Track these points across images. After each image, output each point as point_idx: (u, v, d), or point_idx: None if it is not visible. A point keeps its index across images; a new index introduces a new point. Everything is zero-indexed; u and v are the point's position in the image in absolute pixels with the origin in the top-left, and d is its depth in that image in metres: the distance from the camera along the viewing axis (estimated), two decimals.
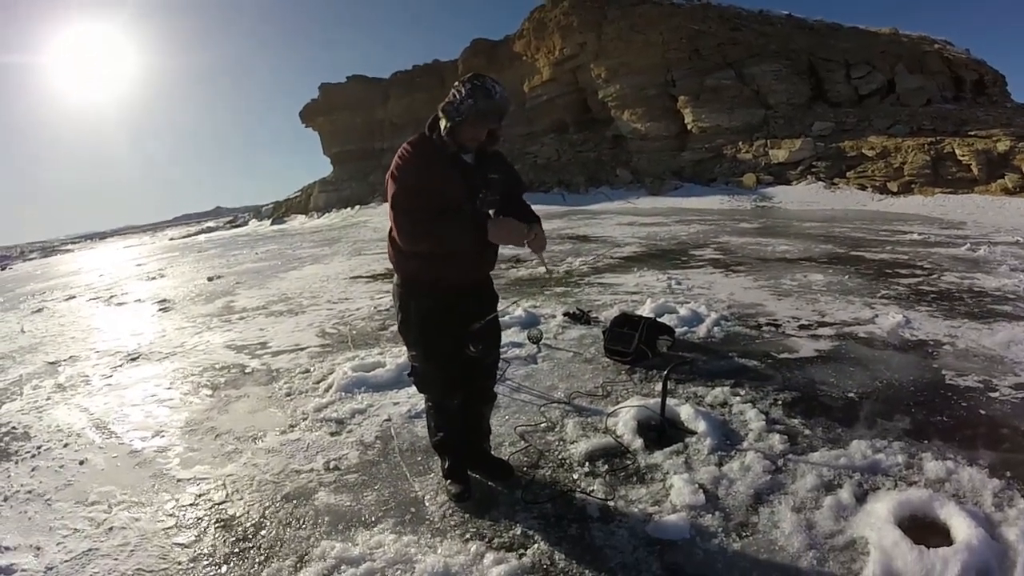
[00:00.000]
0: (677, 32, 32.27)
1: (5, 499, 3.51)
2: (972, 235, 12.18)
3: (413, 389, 4.28)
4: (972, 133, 22.46)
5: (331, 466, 3.49)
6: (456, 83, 2.62)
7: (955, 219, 15.77)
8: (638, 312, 5.65)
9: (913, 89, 29.25)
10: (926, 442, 3.31)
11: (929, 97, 29.13)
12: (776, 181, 25.19)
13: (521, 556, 2.56)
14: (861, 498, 2.81)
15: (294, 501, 3.15)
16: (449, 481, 3.05)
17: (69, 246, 65.17)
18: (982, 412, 3.68)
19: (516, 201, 2.91)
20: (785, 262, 9.30)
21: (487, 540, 2.69)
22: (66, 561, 2.81)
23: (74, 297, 13.03)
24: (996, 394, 3.92)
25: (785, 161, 25.79)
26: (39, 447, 4.23)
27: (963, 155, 20.35)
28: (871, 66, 30.44)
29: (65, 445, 4.23)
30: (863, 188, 22.25)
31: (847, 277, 7.81)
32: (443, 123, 2.61)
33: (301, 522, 2.95)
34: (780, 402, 3.92)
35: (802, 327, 5.61)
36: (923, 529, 2.56)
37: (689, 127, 31.14)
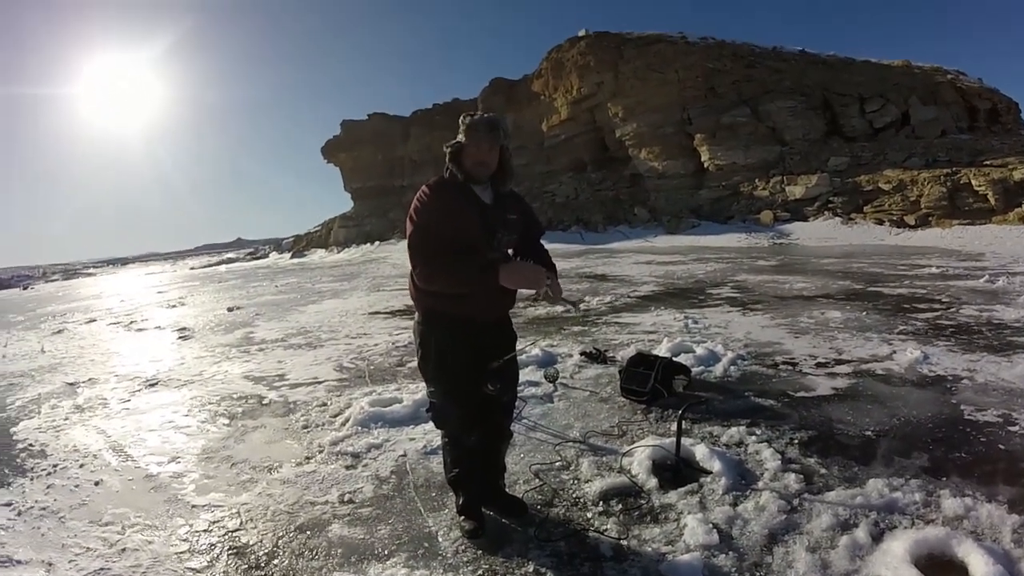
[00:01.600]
0: (692, 70, 32.64)
1: (19, 514, 3.57)
2: (991, 266, 12.08)
3: (429, 425, 4.31)
4: (987, 163, 22.41)
5: (346, 499, 3.51)
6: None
7: (973, 250, 15.65)
8: (655, 351, 5.65)
9: (927, 121, 29.27)
10: (944, 479, 3.27)
11: (943, 128, 29.14)
12: (793, 217, 25.16)
13: None
14: (877, 537, 2.77)
15: (308, 532, 3.16)
16: (463, 517, 3.06)
17: (91, 269, 66.16)
18: (1001, 447, 3.64)
19: (533, 244, 2.98)
20: (802, 299, 9.27)
21: None
22: None
23: (95, 320, 13.24)
24: (1016, 428, 3.89)
25: (802, 197, 25.79)
26: (55, 465, 4.31)
27: (979, 185, 20.26)
28: (885, 99, 30.53)
29: (81, 465, 4.30)
30: (880, 222, 22.15)
31: (865, 313, 7.76)
32: (448, 157, 2.74)
33: (314, 553, 2.96)
34: (796, 441, 3.89)
35: (819, 365, 5.58)
36: (941, 568, 2.54)
37: (706, 165, 31.28)
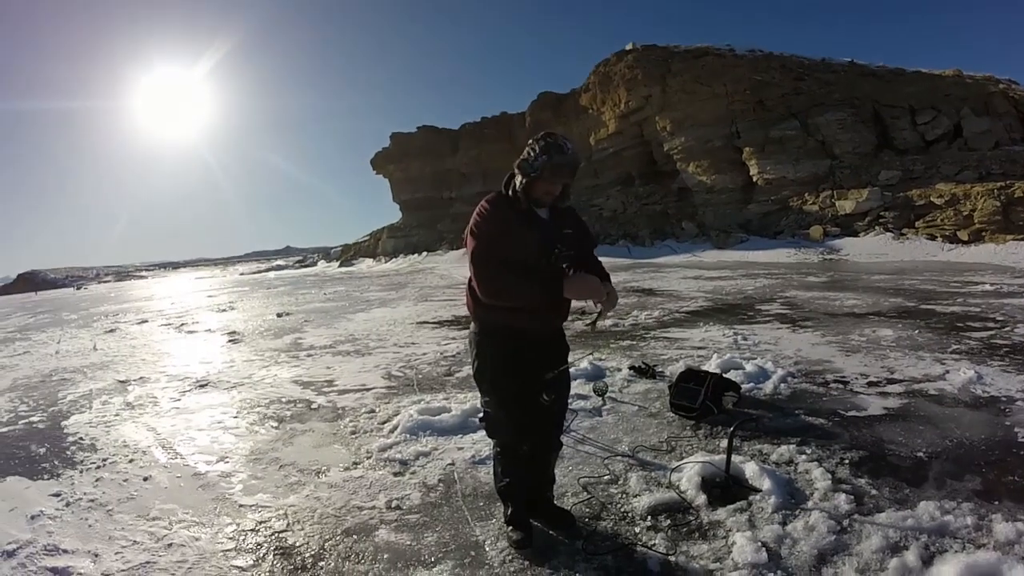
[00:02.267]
0: (741, 83, 32.17)
1: (67, 504, 3.71)
2: None
3: (478, 435, 4.37)
4: None
5: (393, 505, 3.57)
6: (530, 141, 2.78)
7: None
8: (704, 367, 5.62)
9: (980, 132, 28.28)
10: (996, 503, 3.20)
11: (997, 140, 28.09)
12: (843, 232, 24.57)
13: None
14: (928, 560, 2.73)
15: (354, 536, 3.22)
16: (511, 528, 3.09)
17: (143, 272, 68.19)
18: None
19: (588, 256, 3.03)
20: (853, 317, 9.08)
21: None
22: (123, 571, 2.94)
23: (146, 321, 13.66)
24: None
25: (852, 212, 25.18)
26: (104, 460, 4.46)
27: None
28: (936, 110, 29.61)
29: (130, 460, 4.45)
30: (932, 238, 21.49)
31: (917, 332, 7.58)
32: (518, 179, 2.76)
33: (360, 557, 3.02)
34: (847, 461, 3.83)
35: (870, 384, 5.48)
36: None
37: (755, 179, 30.79)
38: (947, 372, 5.64)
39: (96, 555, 3.09)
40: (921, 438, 4.16)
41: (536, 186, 2.73)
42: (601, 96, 38.59)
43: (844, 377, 5.75)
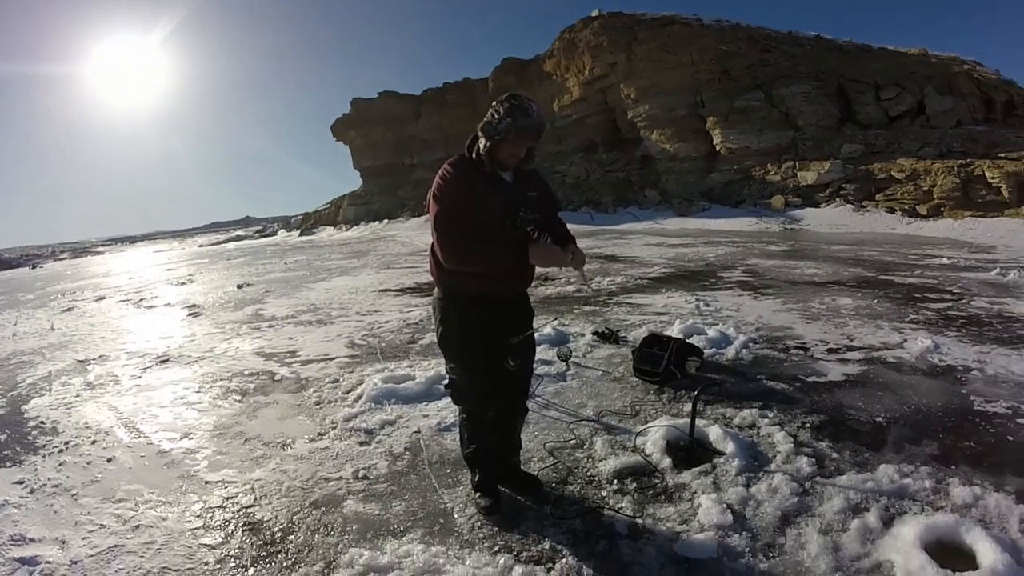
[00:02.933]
0: (707, 53, 32.22)
1: (31, 491, 3.59)
2: (1002, 259, 11.97)
3: (442, 402, 4.35)
4: (1002, 155, 22.05)
5: (360, 475, 3.54)
6: (494, 103, 2.70)
7: (985, 243, 15.51)
8: (667, 333, 5.66)
9: (943, 111, 28.86)
10: (953, 467, 3.29)
11: (959, 119, 28.72)
12: (804, 203, 24.97)
13: (549, 570, 2.59)
14: (888, 522, 2.80)
15: (323, 508, 3.19)
16: (479, 494, 3.09)
17: (99, 248, 66.41)
18: (1010, 439, 3.64)
19: (553, 219, 2.99)
20: (813, 285, 9.24)
21: (515, 553, 2.71)
22: (91, 556, 2.87)
23: (104, 298, 13.31)
24: None
25: (814, 183, 25.57)
26: (67, 443, 4.33)
27: (993, 178, 20.01)
28: (900, 87, 30.09)
29: (93, 442, 4.32)
30: (892, 211, 21.97)
31: (876, 301, 7.74)
32: (482, 142, 2.69)
33: (329, 529, 2.99)
34: (808, 425, 3.90)
35: (830, 351, 5.58)
36: (949, 554, 2.56)
37: (718, 148, 31.03)
38: (905, 341, 5.76)
39: (63, 542, 3.01)
40: (880, 404, 4.25)
41: (500, 149, 2.67)
42: (566, 62, 38.37)
43: (805, 344, 5.85)
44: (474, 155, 2.74)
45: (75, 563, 2.82)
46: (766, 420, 3.97)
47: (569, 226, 3.05)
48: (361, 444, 3.99)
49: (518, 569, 2.58)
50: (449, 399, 3.22)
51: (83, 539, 3.03)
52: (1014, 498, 2.91)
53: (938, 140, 25.64)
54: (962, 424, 3.88)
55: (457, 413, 3.16)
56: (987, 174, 20.34)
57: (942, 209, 20.74)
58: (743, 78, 31.85)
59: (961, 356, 5.27)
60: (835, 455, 3.49)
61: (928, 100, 29.43)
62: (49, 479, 3.75)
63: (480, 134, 2.70)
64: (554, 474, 3.42)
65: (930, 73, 30.69)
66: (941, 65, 31.51)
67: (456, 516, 3.03)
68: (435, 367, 5.26)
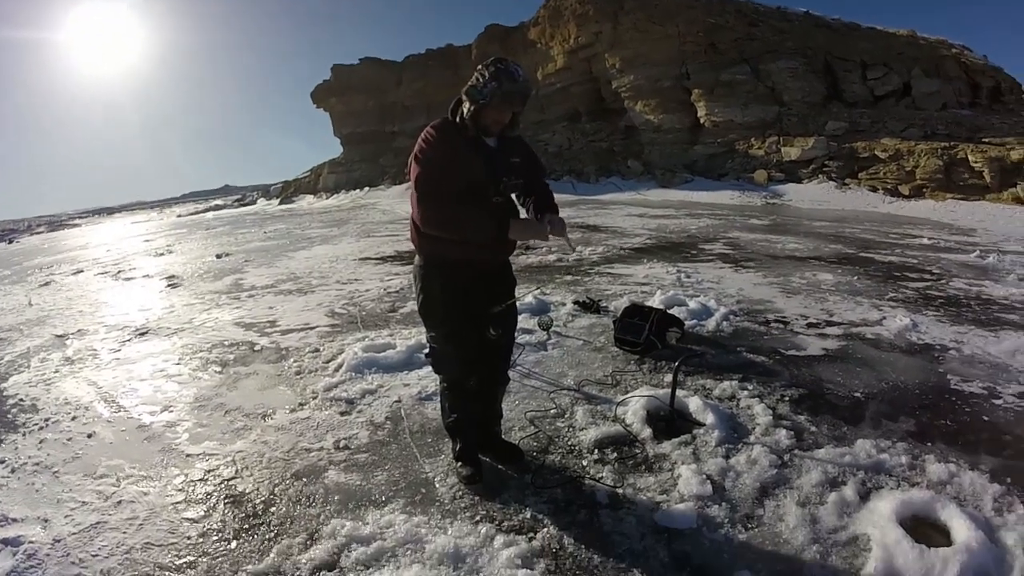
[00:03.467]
0: (694, 25, 32.00)
1: (12, 471, 3.52)
2: (982, 242, 12.12)
3: (423, 371, 4.33)
4: (986, 140, 22.25)
5: (341, 445, 3.53)
6: (479, 67, 2.64)
7: (965, 225, 15.68)
8: (648, 303, 5.67)
9: (929, 93, 28.98)
10: (929, 444, 3.33)
11: (945, 102, 28.86)
12: (787, 179, 25.08)
13: (531, 539, 2.60)
14: (865, 496, 2.84)
15: (304, 479, 3.18)
16: (460, 463, 3.09)
17: (77, 220, 65.26)
18: (985, 418, 3.70)
19: (538, 185, 2.95)
20: (795, 260, 9.30)
21: (497, 523, 2.72)
22: (74, 533, 2.83)
23: (82, 271, 13.07)
24: (1000, 401, 3.93)
25: (797, 159, 25.66)
26: (47, 419, 4.25)
27: (976, 162, 20.21)
28: (888, 67, 30.14)
29: (73, 418, 4.25)
30: (874, 190, 22.13)
31: (856, 278, 7.80)
32: (466, 106, 2.64)
33: (311, 500, 2.98)
34: (787, 398, 3.94)
35: (810, 325, 5.63)
36: (924, 529, 2.60)
37: (702, 121, 30.99)
38: (884, 318, 5.81)
39: (46, 520, 2.96)
40: (858, 379, 4.30)
41: (485, 114, 2.61)
42: (550, 30, 37.98)
43: (785, 317, 5.89)
44: (457, 119, 2.69)
45: (58, 541, 2.79)
46: (746, 392, 4.00)
47: (554, 197, 3.02)
48: (342, 414, 3.97)
49: (499, 538, 2.59)
50: (429, 368, 3.20)
51: (65, 517, 2.98)
52: (988, 476, 2.96)
53: (923, 122, 25.77)
54: (939, 402, 3.93)
55: (438, 382, 3.14)
56: (970, 158, 20.51)
57: (924, 190, 20.91)
58: (730, 51, 31.71)
59: (939, 335, 5.33)
60: (813, 429, 3.52)
61: (915, 82, 29.51)
62: (30, 457, 3.68)
63: (464, 98, 2.64)
64: (535, 443, 3.43)
65: (918, 55, 30.73)
66: (929, 48, 31.56)
67: (438, 486, 3.03)
68: (416, 336, 5.24)
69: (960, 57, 31.24)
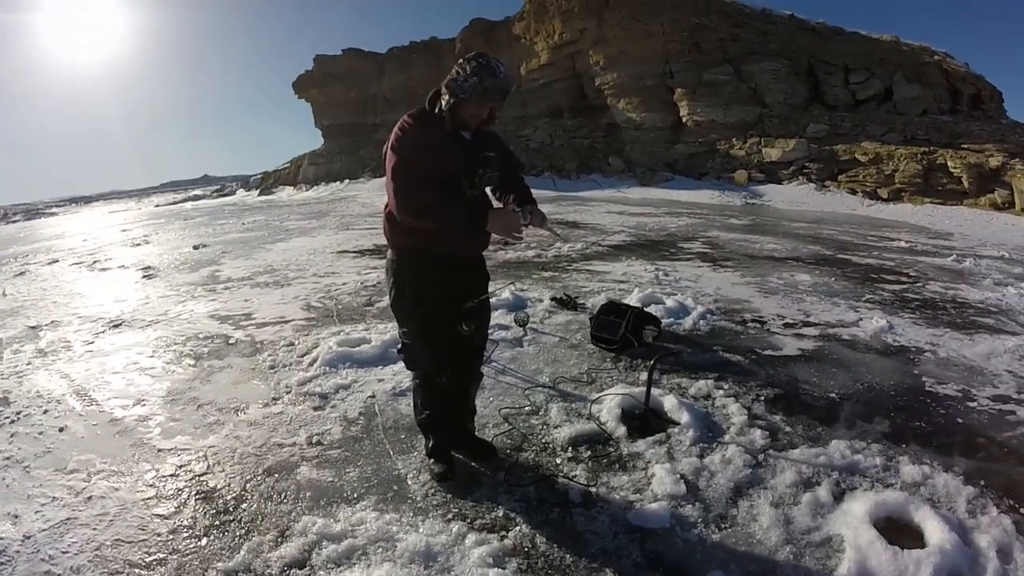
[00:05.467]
0: (678, 24, 32.08)
1: None
2: (959, 247, 12.28)
3: (398, 366, 4.29)
4: (965, 146, 22.56)
5: (314, 441, 3.49)
6: (460, 60, 2.61)
7: (943, 230, 15.89)
8: (625, 301, 5.66)
9: (910, 98, 29.33)
10: (904, 446, 3.36)
11: (925, 107, 29.22)
12: (767, 179, 25.28)
13: (503, 538, 2.58)
14: (839, 497, 2.85)
15: (276, 475, 3.13)
16: (432, 460, 3.06)
17: (53, 209, 64.18)
18: (959, 421, 3.74)
19: (514, 179, 2.93)
20: (773, 260, 9.36)
21: (469, 521, 2.70)
22: (44, 530, 2.77)
23: (57, 261, 12.84)
24: (974, 404, 3.98)
25: (778, 160, 25.86)
26: (18, 413, 4.15)
27: (955, 167, 20.50)
28: (870, 72, 30.45)
29: (45, 411, 4.15)
30: (853, 192, 22.36)
31: (833, 279, 7.87)
32: (445, 99, 2.61)
33: (283, 496, 2.94)
34: (763, 398, 3.95)
35: (787, 325, 5.66)
36: (898, 530, 2.61)
37: (684, 120, 31.13)
38: (860, 319, 5.85)
39: (16, 516, 2.89)
40: (834, 380, 4.32)
41: (464, 108, 2.59)
42: (535, 26, 37.93)
43: (762, 317, 5.92)
44: (436, 110, 2.66)
45: (28, 538, 2.72)
46: (721, 392, 4.01)
47: (532, 191, 2.99)
48: (315, 409, 3.92)
49: (471, 537, 2.57)
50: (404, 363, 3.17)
51: (35, 513, 2.92)
52: (962, 479, 2.99)
53: (903, 126, 26.08)
54: (913, 404, 3.97)
55: (411, 378, 3.11)
56: (949, 163, 20.81)
57: (903, 194, 21.16)
58: (713, 52, 31.86)
59: (915, 337, 5.38)
60: (788, 429, 3.54)
61: (896, 87, 29.85)
62: (0, 452, 3.59)
63: (444, 90, 2.61)
64: (509, 441, 3.42)
65: (900, 60, 31.08)
66: (912, 54, 31.93)
67: (410, 483, 3.00)
68: (391, 330, 5.19)
69: (942, 64, 31.64)
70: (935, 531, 2.53)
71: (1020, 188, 18.44)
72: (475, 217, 2.62)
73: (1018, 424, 3.70)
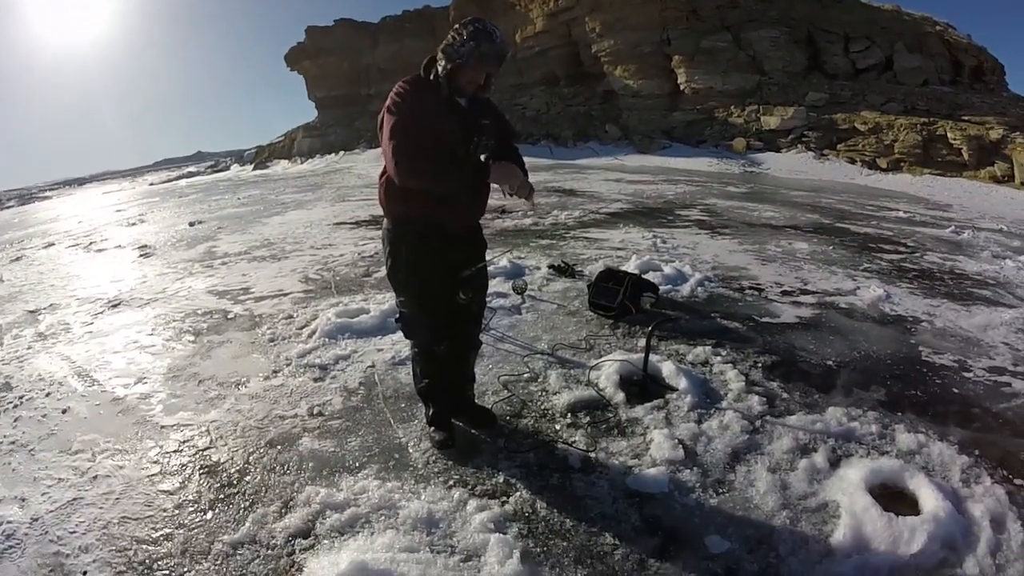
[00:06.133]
0: None
1: None
2: (957, 218, 12.28)
3: (397, 336, 4.29)
4: (966, 118, 22.46)
5: (315, 412, 3.50)
6: (456, 26, 2.58)
7: (941, 201, 15.88)
8: (623, 268, 5.66)
9: (911, 68, 29.12)
10: (899, 414, 3.38)
11: (926, 78, 29.05)
12: (766, 147, 25.19)
13: (504, 503, 2.61)
14: (835, 463, 2.88)
15: (278, 447, 3.15)
16: (433, 428, 3.08)
17: (47, 193, 63.72)
18: (955, 391, 3.75)
19: (509, 149, 2.90)
20: (771, 228, 9.35)
21: (470, 487, 2.73)
22: (51, 511, 2.78)
23: (53, 244, 12.78)
24: (970, 375, 3.99)
25: (776, 128, 25.75)
26: (21, 397, 4.14)
27: (955, 139, 20.41)
28: (871, 41, 30.19)
29: (47, 394, 4.15)
30: (852, 162, 22.31)
31: (831, 248, 7.87)
32: (442, 64, 2.58)
33: (285, 468, 2.96)
34: (760, 365, 3.97)
35: (784, 293, 5.66)
36: (892, 498, 2.64)
37: (682, 87, 30.91)
38: (858, 288, 5.86)
39: (23, 499, 2.90)
40: (831, 348, 4.34)
41: (461, 73, 2.56)
42: None
43: (759, 284, 5.92)
44: (431, 77, 2.63)
45: (36, 520, 2.73)
46: (719, 358, 4.03)
47: (527, 159, 2.97)
48: (315, 380, 3.94)
49: (472, 503, 2.60)
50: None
51: (42, 495, 2.93)
52: (957, 448, 3.01)
53: (903, 96, 25.93)
54: (910, 373, 3.98)
55: (410, 347, 3.11)
56: (949, 135, 20.71)
57: (902, 164, 21.11)
58: (711, 19, 31.58)
59: (912, 307, 5.39)
60: (785, 395, 3.56)
61: (897, 56, 29.63)
62: (5, 436, 3.59)
63: (440, 56, 2.58)
64: (508, 407, 3.44)
65: (901, 30, 30.81)
66: (913, 23, 31.62)
67: (411, 451, 3.03)
68: (389, 300, 5.17)
69: (944, 35, 31.37)
70: (929, 499, 2.55)
71: (1020, 161, 18.41)
72: (475, 173, 2.61)
73: (1013, 396, 3.71)
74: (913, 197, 16.49)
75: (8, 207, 43.91)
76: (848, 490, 2.64)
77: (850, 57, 30.34)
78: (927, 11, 33.93)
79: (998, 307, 5.57)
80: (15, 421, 3.79)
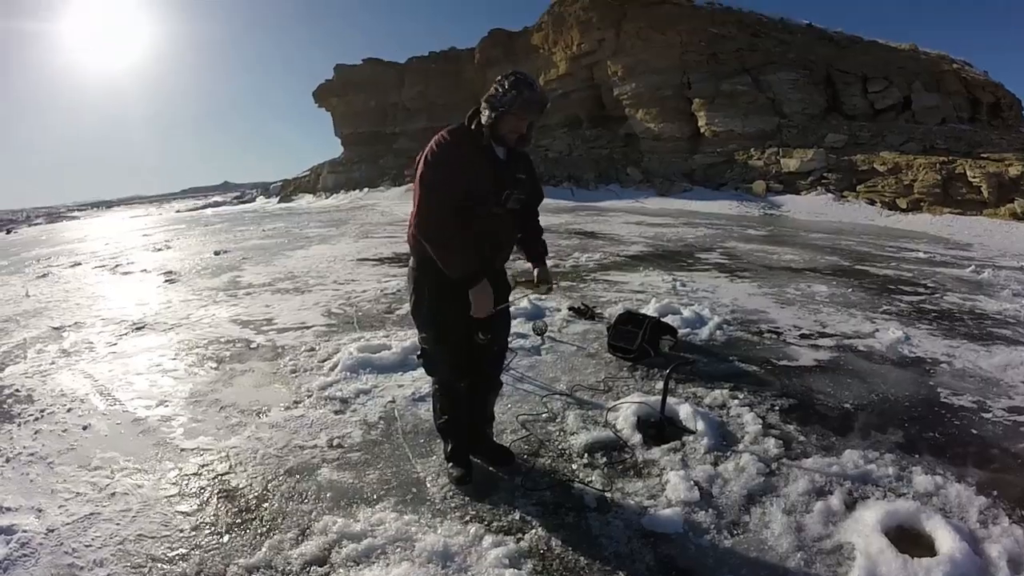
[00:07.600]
0: (696, 34, 32.15)
1: (7, 460, 3.52)
2: (978, 257, 12.16)
3: (418, 372, 4.36)
4: (985, 155, 22.34)
5: (334, 443, 3.55)
6: (498, 78, 2.72)
7: (962, 240, 15.75)
8: (642, 311, 5.70)
9: (929, 107, 29.14)
10: (917, 456, 3.37)
11: (944, 116, 29.03)
12: (786, 190, 25.15)
13: (519, 540, 2.64)
14: (851, 505, 2.87)
15: (297, 476, 3.20)
16: (451, 464, 3.12)
17: (75, 213, 65.09)
18: (974, 432, 3.73)
19: (532, 216, 3.06)
20: (790, 271, 9.34)
21: (486, 523, 2.76)
22: (67, 524, 2.84)
23: (80, 264, 13.05)
24: (989, 415, 3.97)
25: (796, 171, 25.73)
26: (42, 411, 4.25)
27: (974, 177, 20.28)
28: (888, 81, 30.28)
29: (69, 410, 4.25)
30: (872, 203, 22.20)
31: (850, 290, 7.84)
32: (486, 114, 2.69)
33: (304, 496, 3.01)
34: (777, 408, 3.98)
35: (803, 336, 5.66)
36: (909, 540, 2.63)
37: (702, 130, 31.09)
38: (877, 330, 5.84)
39: (40, 510, 2.97)
40: (849, 390, 4.33)
41: (504, 121, 2.67)
42: (553, 36, 38.20)
43: (778, 328, 5.93)
44: (473, 126, 2.75)
45: (51, 531, 2.80)
46: (736, 401, 4.04)
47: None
48: (336, 413, 3.99)
49: (488, 538, 2.63)
50: (423, 369, 3.24)
51: (59, 507, 2.99)
52: (975, 489, 2.99)
53: (922, 136, 25.89)
54: (928, 415, 3.96)
55: (431, 383, 3.17)
56: (968, 173, 20.59)
57: (922, 204, 20.97)
58: (731, 61, 31.87)
59: (931, 349, 5.36)
60: (802, 438, 3.56)
61: (915, 96, 29.67)
62: (25, 447, 3.68)
63: (484, 105, 2.70)
64: (526, 446, 3.47)
65: (918, 69, 30.91)
66: (930, 62, 31.74)
67: (429, 485, 3.06)
68: (411, 337, 5.25)
69: (960, 72, 31.42)
70: (946, 540, 2.55)
71: None
72: (471, 272, 2.71)
73: None
74: (933, 237, 16.37)
75: (36, 224, 44.82)
76: (864, 532, 2.64)
77: (868, 98, 30.40)
78: (944, 49, 33.99)
79: (1018, 346, 5.53)
80: (35, 434, 3.89)
